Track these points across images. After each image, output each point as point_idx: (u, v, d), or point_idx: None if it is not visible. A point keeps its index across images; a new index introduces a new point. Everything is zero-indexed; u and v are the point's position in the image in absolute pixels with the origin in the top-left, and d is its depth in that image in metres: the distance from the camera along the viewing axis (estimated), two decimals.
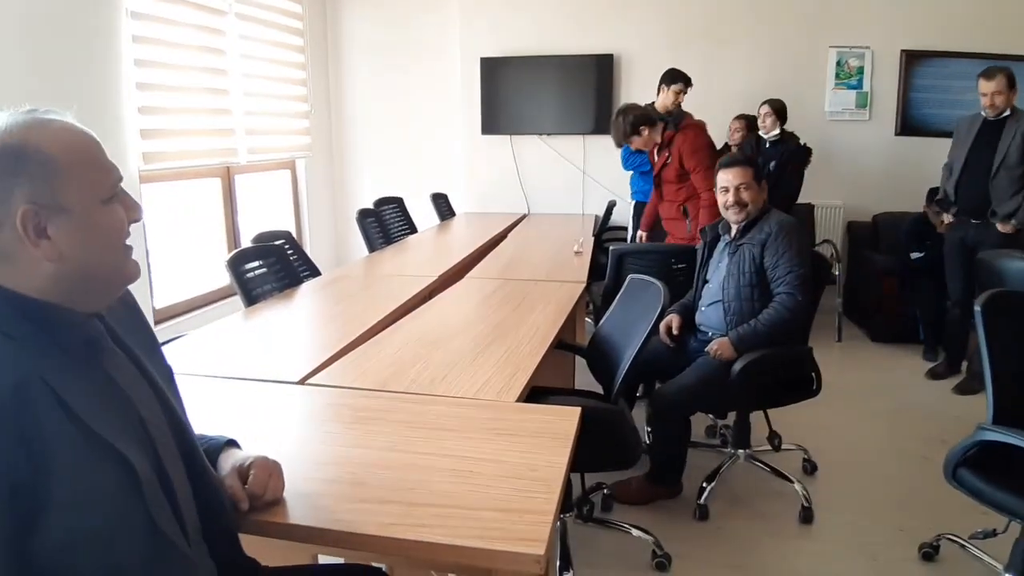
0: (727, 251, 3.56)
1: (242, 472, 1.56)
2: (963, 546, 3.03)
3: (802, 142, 5.96)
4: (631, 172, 6.23)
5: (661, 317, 2.76)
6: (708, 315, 3.59)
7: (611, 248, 4.31)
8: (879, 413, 4.75)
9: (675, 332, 3.62)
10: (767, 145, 5.95)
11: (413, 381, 2.42)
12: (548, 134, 7.41)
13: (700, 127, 5.03)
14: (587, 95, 7.26)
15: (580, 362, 3.45)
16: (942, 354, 5.57)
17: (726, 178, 3.50)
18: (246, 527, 1.53)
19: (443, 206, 7.19)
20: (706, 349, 3.43)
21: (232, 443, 1.65)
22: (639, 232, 5.57)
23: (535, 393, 2.65)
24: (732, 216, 3.52)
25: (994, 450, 2.41)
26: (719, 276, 3.55)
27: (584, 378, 3.42)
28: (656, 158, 5.04)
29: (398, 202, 6.41)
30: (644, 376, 3.91)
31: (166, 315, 5.29)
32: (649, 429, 3.52)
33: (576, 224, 6.36)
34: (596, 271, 4.50)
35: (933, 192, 5.91)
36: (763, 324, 3.31)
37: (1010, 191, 4.73)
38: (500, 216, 6.96)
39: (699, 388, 3.37)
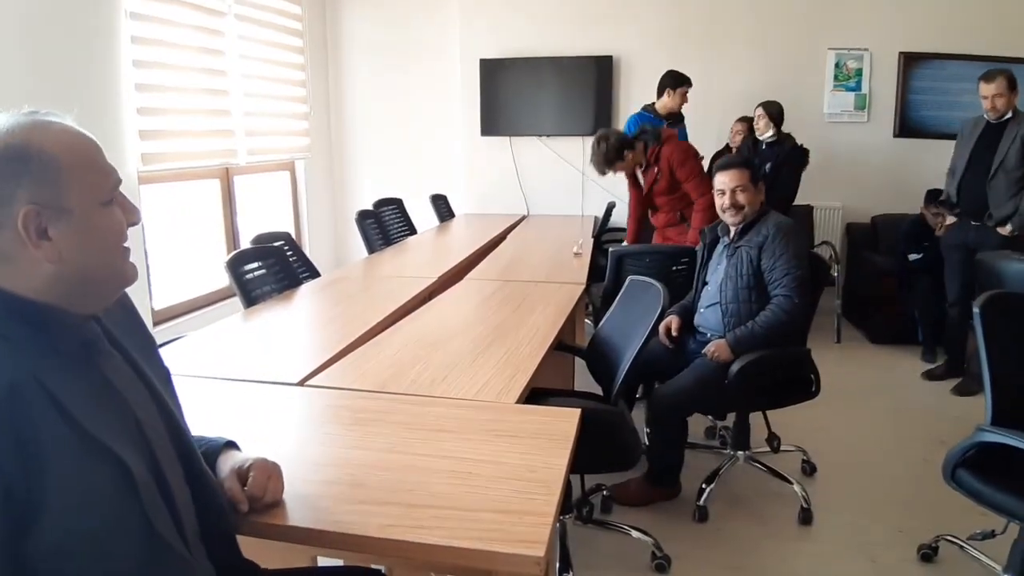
0: (725, 253, 3.56)
1: (241, 474, 1.55)
2: (962, 547, 3.04)
3: (799, 143, 5.95)
4: None
5: (661, 318, 2.75)
6: (706, 317, 3.60)
7: (610, 249, 4.31)
8: (878, 414, 4.75)
9: (674, 334, 3.62)
10: (763, 147, 5.95)
11: (412, 382, 2.42)
12: (547, 135, 7.41)
13: (673, 137, 5.01)
14: (586, 96, 7.27)
15: (580, 363, 3.44)
16: (941, 355, 5.58)
17: (722, 180, 3.50)
18: (245, 529, 1.53)
19: (443, 207, 7.19)
20: (703, 351, 3.43)
21: (231, 445, 1.65)
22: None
23: (534, 394, 2.65)
24: (729, 218, 3.52)
25: (993, 451, 2.41)
26: (717, 278, 3.56)
27: (584, 379, 3.42)
28: (642, 178, 5.00)
29: (397, 203, 6.41)
30: (643, 377, 3.91)
31: (165, 316, 5.29)
32: (648, 431, 3.53)
33: (575, 225, 6.36)
34: (596, 272, 4.50)
35: (931, 193, 5.91)
36: (760, 326, 3.31)
37: (1007, 194, 4.74)
38: (499, 217, 6.96)
39: (696, 390, 3.38)
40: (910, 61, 6.83)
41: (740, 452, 3.75)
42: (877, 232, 6.78)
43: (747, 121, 6.30)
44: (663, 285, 2.86)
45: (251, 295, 3.60)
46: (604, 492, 3.52)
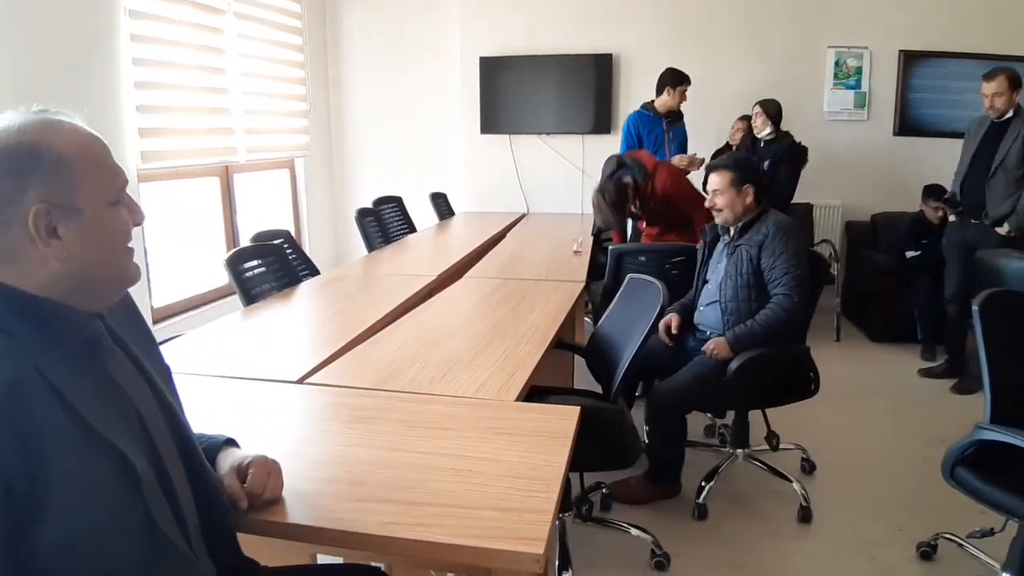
0: (725, 252, 3.56)
1: (241, 471, 1.55)
2: (961, 545, 3.04)
3: (798, 141, 5.95)
4: None
5: (660, 316, 2.76)
6: (706, 315, 3.60)
7: (610, 247, 4.31)
8: (878, 413, 4.76)
9: (674, 331, 3.62)
10: (761, 145, 5.95)
11: (412, 380, 2.42)
12: (547, 133, 7.41)
13: (662, 164, 4.95)
14: (586, 95, 7.27)
15: (579, 361, 3.45)
16: (941, 354, 5.58)
17: (709, 181, 3.56)
18: (245, 526, 1.53)
19: (442, 205, 7.18)
20: (702, 348, 3.43)
21: (231, 442, 1.65)
22: None
23: (534, 392, 2.64)
24: (716, 219, 3.57)
25: (992, 449, 2.41)
26: (717, 276, 3.56)
27: (583, 377, 3.41)
28: (637, 211, 4.84)
29: (397, 201, 6.40)
30: (643, 375, 3.91)
31: (164, 314, 5.29)
32: (647, 428, 3.53)
33: (575, 224, 6.36)
34: (595, 270, 4.50)
35: (929, 189, 5.92)
36: (760, 324, 3.31)
37: (1005, 194, 4.73)
38: (499, 215, 6.96)
39: (695, 387, 3.38)
40: (910, 59, 6.83)
41: (739, 450, 3.76)
42: (877, 230, 6.79)
43: (747, 119, 6.29)
44: (662, 283, 2.86)
45: (250, 293, 3.60)
46: (604, 490, 3.53)
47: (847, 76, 6.94)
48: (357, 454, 1.84)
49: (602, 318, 3.24)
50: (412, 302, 3.57)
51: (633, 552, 3.14)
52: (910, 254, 5.94)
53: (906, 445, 4.21)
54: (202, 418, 1.64)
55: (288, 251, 4.08)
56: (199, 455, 1.46)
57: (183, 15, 5.29)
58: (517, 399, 2.27)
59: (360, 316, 3.22)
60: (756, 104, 5.93)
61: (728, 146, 6.55)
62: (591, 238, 5.46)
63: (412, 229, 6.35)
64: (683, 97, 5.88)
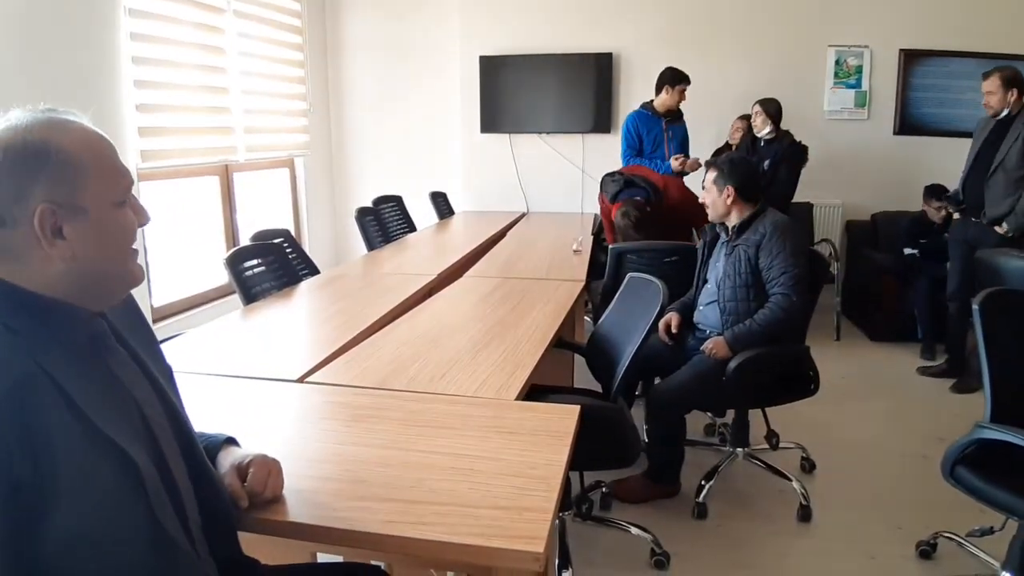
0: (724, 251, 3.56)
1: (241, 470, 1.56)
2: (961, 544, 3.05)
3: (798, 140, 5.94)
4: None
5: (660, 315, 2.76)
6: (706, 314, 3.60)
7: (610, 246, 4.31)
8: (877, 411, 4.76)
9: (674, 331, 3.62)
10: (762, 144, 5.95)
11: (412, 379, 2.42)
12: (547, 132, 7.40)
13: (670, 180, 5.15)
14: (586, 94, 7.26)
15: (579, 361, 3.45)
16: (941, 353, 5.58)
17: (705, 178, 3.60)
18: (246, 525, 1.53)
19: (442, 205, 7.18)
20: (701, 348, 3.43)
21: (231, 441, 1.65)
22: None
23: (534, 392, 2.64)
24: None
25: (992, 448, 2.41)
26: (716, 276, 3.56)
27: (583, 377, 3.42)
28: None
29: (397, 201, 6.40)
30: (643, 374, 3.91)
31: (165, 313, 5.28)
32: (647, 427, 3.53)
33: (575, 223, 6.36)
34: (595, 270, 4.50)
35: (930, 189, 5.92)
36: (758, 324, 3.31)
37: (1004, 193, 4.73)
38: (499, 215, 6.95)
39: (694, 386, 3.38)
40: (911, 58, 6.82)
41: (739, 449, 3.76)
42: (877, 229, 6.78)
43: (747, 119, 6.27)
44: (663, 282, 2.86)
45: (250, 292, 3.60)
46: (604, 489, 3.53)
47: (847, 75, 6.94)
48: (357, 453, 1.84)
49: (602, 317, 3.24)
50: (412, 301, 3.58)
51: (633, 551, 3.14)
52: (908, 251, 5.95)
53: (906, 444, 4.21)
54: (203, 417, 1.64)
55: (288, 250, 4.08)
56: (201, 454, 1.47)
57: (183, 14, 5.29)
58: (517, 398, 2.27)
59: (360, 315, 3.22)
60: (756, 103, 5.92)
61: (728, 145, 6.55)
62: (591, 237, 5.47)
63: (412, 228, 6.35)
64: (682, 96, 5.87)
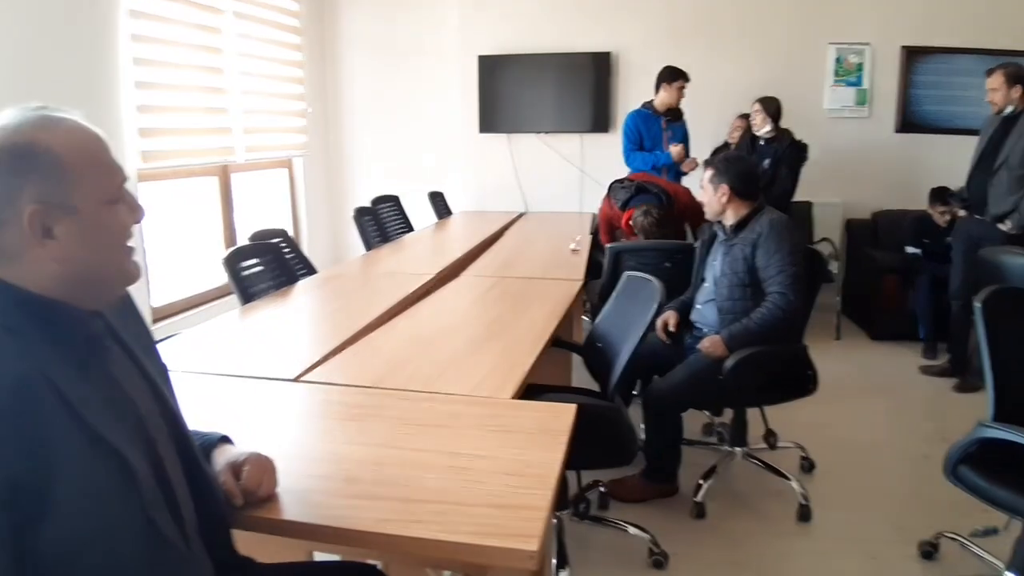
0: (722, 250, 3.55)
1: (235, 468, 1.55)
2: (963, 544, 3.02)
3: (798, 139, 5.93)
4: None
5: (657, 314, 2.75)
6: (703, 313, 3.59)
7: (608, 246, 4.30)
8: (878, 411, 4.74)
9: (671, 329, 3.61)
10: (761, 143, 5.93)
11: (409, 378, 2.41)
12: (546, 132, 7.39)
13: (680, 190, 5.34)
14: (585, 93, 7.25)
15: (577, 360, 3.44)
16: (943, 353, 5.56)
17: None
18: (241, 523, 1.53)
19: (440, 205, 7.17)
20: (698, 346, 3.42)
21: (225, 440, 1.65)
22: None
23: (532, 391, 2.63)
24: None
25: (995, 448, 2.39)
26: (714, 274, 3.55)
27: (582, 376, 3.40)
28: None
29: (395, 200, 6.41)
30: (642, 373, 3.89)
31: (164, 314, 5.27)
32: (644, 426, 3.52)
33: (573, 222, 6.34)
34: (594, 269, 4.49)
35: (935, 193, 5.90)
36: (755, 323, 3.29)
37: (1008, 191, 4.71)
38: (497, 214, 6.94)
39: (691, 385, 3.37)
40: (912, 55, 6.80)
41: (738, 448, 3.75)
42: (877, 228, 6.76)
43: (746, 117, 6.26)
44: (660, 281, 2.84)
45: (248, 292, 3.59)
46: (601, 488, 3.51)
47: (848, 73, 6.93)
48: (352, 451, 1.84)
49: (599, 316, 3.23)
50: (409, 300, 3.56)
51: (631, 551, 3.13)
52: (909, 250, 5.93)
53: (907, 443, 4.20)
54: (199, 416, 1.63)
55: (286, 250, 4.08)
56: (196, 453, 1.47)
57: (183, 15, 5.29)
58: (514, 397, 2.26)
59: (357, 314, 3.20)
60: (756, 101, 5.91)
61: (727, 145, 6.53)
62: (589, 237, 5.46)
63: (410, 228, 6.36)
64: (680, 93, 5.87)
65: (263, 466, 1.57)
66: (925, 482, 3.65)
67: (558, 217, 6.92)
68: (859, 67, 6.88)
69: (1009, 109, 4.75)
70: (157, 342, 1.55)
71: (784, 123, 5.86)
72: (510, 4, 7.27)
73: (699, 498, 3.46)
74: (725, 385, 3.24)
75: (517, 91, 7.33)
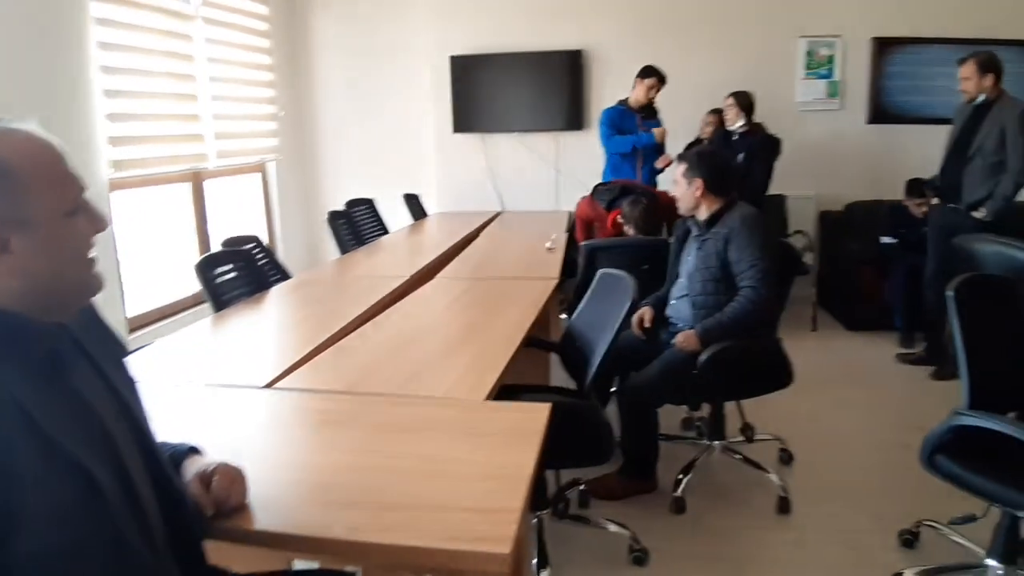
0: (695, 245, 3.56)
1: (205, 478, 1.54)
2: (943, 532, 3.04)
3: (771, 133, 5.95)
4: (608, 162, 6.19)
5: (632, 311, 2.74)
6: (678, 308, 3.59)
7: (582, 243, 4.30)
8: (856, 401, 4.77)
9: (647, 325, 3.62)
10: (735, 137, 5.95)
11: (381, 383, 2.40)
12: (520, 131, 7.38)
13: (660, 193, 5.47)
14: (559, 91, 7.24)
15: (556, 359, 3.43)
16: (919, 341, 5.60)
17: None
18: (212, 534, 1.51)
19: (416, 206, 7.14)
20: (672, 341, 3.42)
21: (194, 450, 1.63)
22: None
23: (508, 391, 2.63)
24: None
25: (972, 435, 2.40)
26: (687, 270, 3.56)
27: (561, 375, 3.39)
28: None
29: (369, 203, 6.38)
30: (619, 369, 3.89)
31: (139, 323, 5.22)
32: (621, 422, 3.51)
33: (550, 221, 6.33)
34: (571, 268, 4.48)
35: (911, 184, 5.93)
36: (728, 317, 3.31)
37: (981, 179, 4.75)
38: (473, 215, 6.90)
39: (665, 380, 3.38)
40: (883, 47, 6.84)
41: (716, 442, 3.76)
42: (852, 219, 6.78)
43: (718, 113, 6.29)
44: (633, 278, 2.84)
45: (221, 299, 3.57)
46: (581, 487, 3.51)
47: (819, 65, 6.95)
48: (325, 458, 1.83)
49: (575, 314, 3.22)
50: (384, 304, 3.54)
51: (611, 548, 3.12)
52: (884, 240, 5.97)
53: (885, 433, 4.22)
54: (169, 426, 1.62)
55: (259, 256, 4.04)
56: (164, 465, 1.45)
57: (151, 22, 5.23)
58: (488, 398, 2.25)
59: (330, 319, 3.18)
60: (729, 96, 5.93)
61: (699, 140, 6.54)
62: (565, 235, 5.45)
63: (385, 231, 6.33)
64: (651, 91, 5.89)
65: (232, 476, 1.55)
66: (903, 471, 3.65)
67: (534, 216, 6.91)
68: (830, 59, 6.91)
69: (981, 97, 4.79)
70: (130, 352, 1.53)
71: (756, 117, 5.88)
72: (481, 4, 7.25)
73: (679, 493, 3.46)
74: (699, 379, 3.25)
75: (490, 91, 7.30)
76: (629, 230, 4.84)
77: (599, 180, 6.14)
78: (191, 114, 5.74)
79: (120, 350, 1.47)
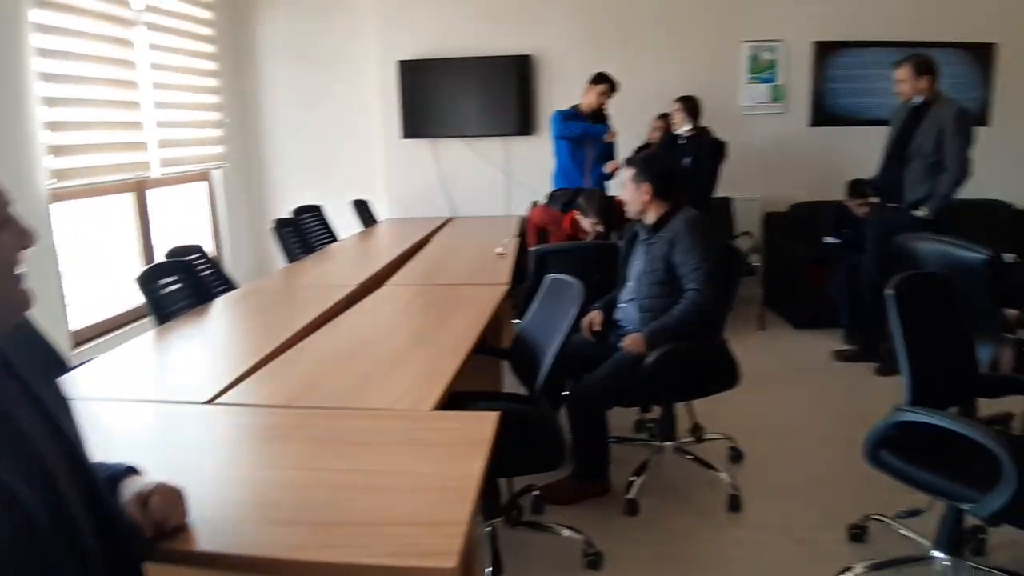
0: (642, 249, 3.59)
1: (143, 499, 1.49)
2: (890, 526, 3.09)
3: (716, 136, 6.01)
4: (558, 167, 6.22)
5: (581, 315, 2.75)
6: (627, 311, 3.61)
7: (532, 248, 4.30)
8: (803, 398, 4.83)
9: (596, 328, 3.63)
10: (682, 141, 6.00)
11: (327, 395, 2.37)
12: (470, 136, 7.36)
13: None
14: (509, 96, 7.23)
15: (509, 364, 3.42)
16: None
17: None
18: (151, 556, 1.47)
19: (365, 213, 7.08)
20: (619, 344, 3.44)
21: (132, 470, 1.58)
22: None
23: (459, 399, 2.60)
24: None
25: (915, 431, 2.43)
26: (635, 273, 3.58)
27: (514, 380, 3.38)
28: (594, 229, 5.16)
29: (317, 210, 6.32)
30: (571, 373, 3.89)
31: (84, 337, 5.11)
32: (570, 426, 3.51)
33: (500, 226, 6.32)
34: (522, 273, 4.47)
35: (852, 185, 6.02)
36: (673, 319, 3.36)
37: (920, 179, 4.84)
38: (423, 221, 6.86)
39: (613, 382, 3.39)
40: (824, 50, 6.97)
41: (667, 443, 3.78)
42: (796, 220, 6.87)
43: (666, 117, 6.35)
44: (581, 282, 2.84)
45: (164, 312, 3.50)
46: (535, 493, 3.50)
47: (762, 70, 7.06)
48: (267, 475, 1.80)
49: (524, 320, 3.22)
50: (331, 313, 3.49)
51: (565, 553, 3.12)
52: (828, 240, 6.06)
53: (832, 429, 4.28)
54: (107, 445, 1.58)
55: (203, 266, 3.98)
56: (99, 487, 1.39)
57: (92, 28, 5.12)
58: (435, 408, 2.23)
59: (275, 331, 3.13)
60: (676, 100, 5.99)
61: (647, 145, 6.58)
62: (516, 240, 5.44)
63: (333, 238, 6.26)
64: (600, 97, 5.94)
65: (171, 496, 1.52)
66: (851, 466, 3.67)
67: (485, 221, 6.89)
68: (772, 64, 7.02)
69: (918, 99, 4.87)
70: (70, 369, 1.49)
71: (702, 121, 5.96)
72: (428, 8, 7.23)
73: (631, 495, 3.47)
74: (647, 381, 3.27)
75: (439, 95, 7.27)
76: (587, 222, 4.86)
77: (549, 185, 6.17)
78: (134, 122, 5.63)
79: (55, 367, 1.43)
